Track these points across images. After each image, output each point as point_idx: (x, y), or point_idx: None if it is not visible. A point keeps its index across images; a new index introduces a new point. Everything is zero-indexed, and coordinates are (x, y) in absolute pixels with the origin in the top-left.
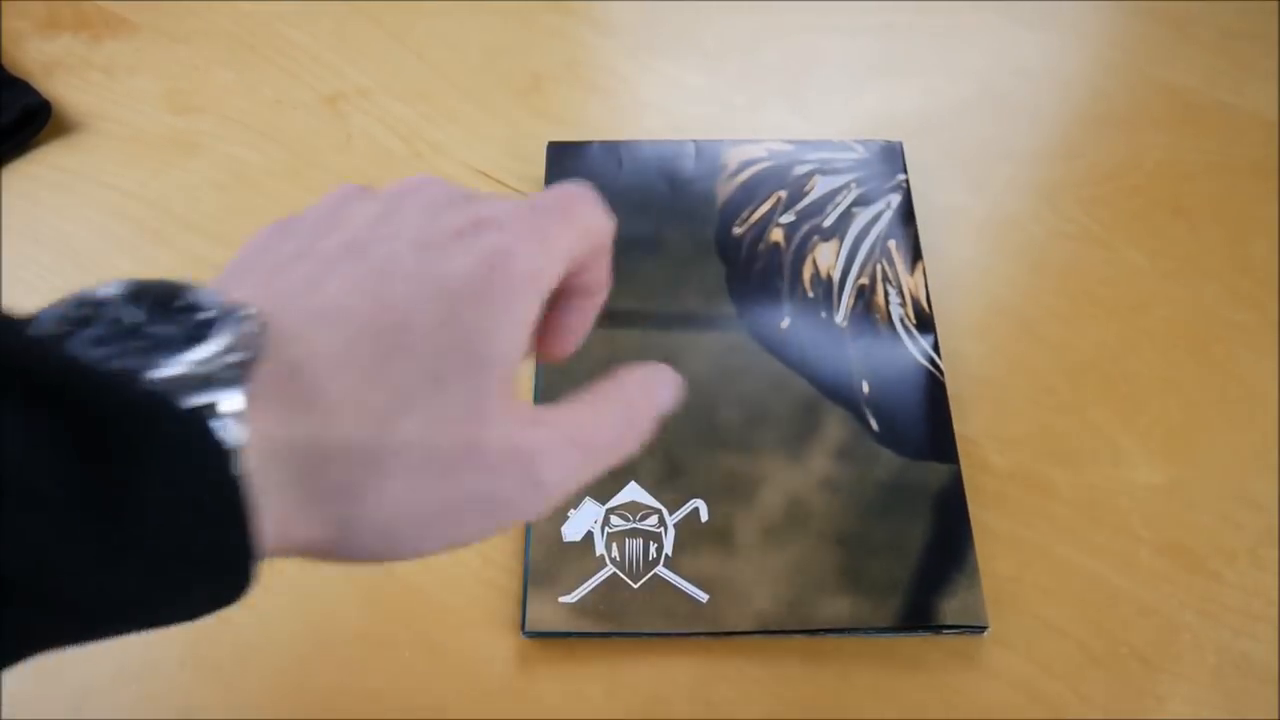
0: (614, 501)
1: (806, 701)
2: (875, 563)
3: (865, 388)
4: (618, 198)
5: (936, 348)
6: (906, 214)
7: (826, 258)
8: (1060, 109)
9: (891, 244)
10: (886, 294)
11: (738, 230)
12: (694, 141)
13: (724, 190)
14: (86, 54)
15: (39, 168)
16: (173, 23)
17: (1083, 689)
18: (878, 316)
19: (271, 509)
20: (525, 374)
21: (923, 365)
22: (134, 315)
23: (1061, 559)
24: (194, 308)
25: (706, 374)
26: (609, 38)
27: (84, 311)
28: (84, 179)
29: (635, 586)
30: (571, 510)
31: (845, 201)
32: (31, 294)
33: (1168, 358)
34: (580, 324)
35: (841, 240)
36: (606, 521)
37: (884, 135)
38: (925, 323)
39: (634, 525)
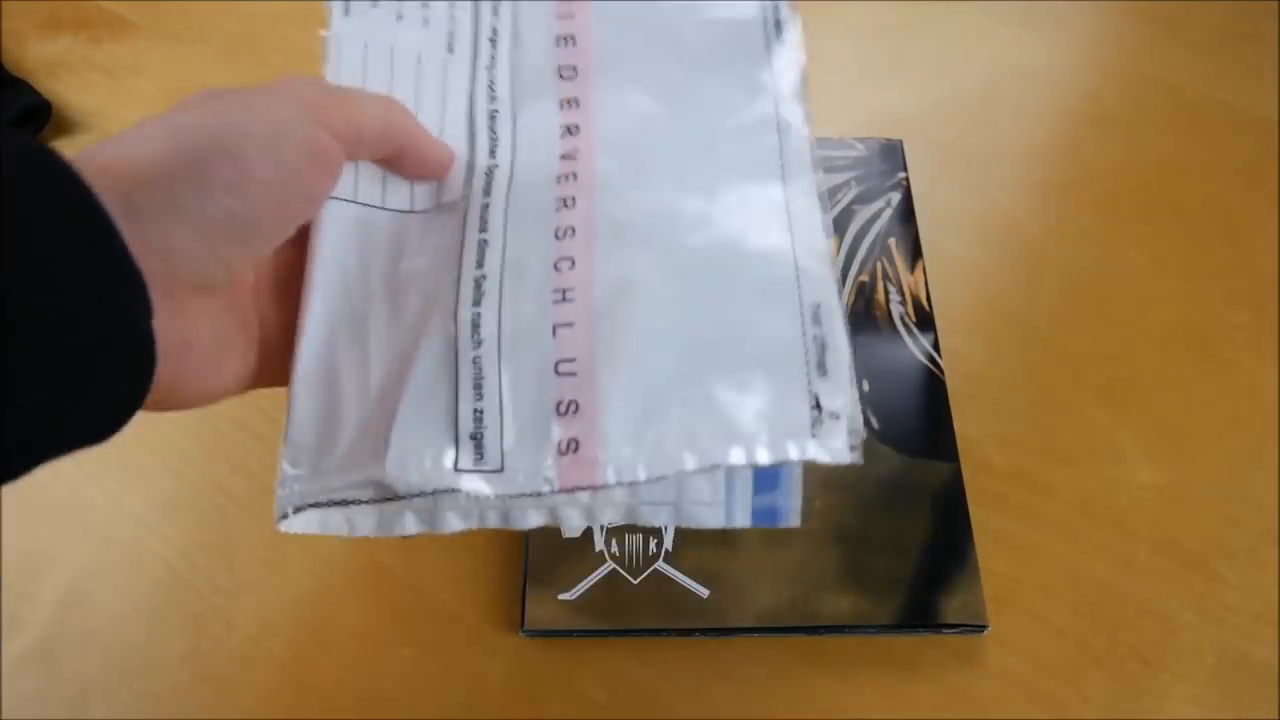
0: None
1: (806, 701)
2: (876, 561)
3: (865, 385)
4: None
5: (936, 346)
6: (906, 212)
7: None
8: (1060, 109)
9: (891, 242)
10: (886, 291)
11: None
12: None
13: None
14: (87, 54)
15: None
16: (173, 23)
17: (1083, 689)
18: (878, 314)
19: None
20: None
21: (923, 364)
22: None
23: (1061, 559)
24: None
25: None
26: None
27: None
28: None
29: (635, 582)
30: None
31: (845, 199)
32: None
33: (1168, 358)
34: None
35: (842, 237)
36: None
37: (884, 135)
38: (925, 321)
39: None
